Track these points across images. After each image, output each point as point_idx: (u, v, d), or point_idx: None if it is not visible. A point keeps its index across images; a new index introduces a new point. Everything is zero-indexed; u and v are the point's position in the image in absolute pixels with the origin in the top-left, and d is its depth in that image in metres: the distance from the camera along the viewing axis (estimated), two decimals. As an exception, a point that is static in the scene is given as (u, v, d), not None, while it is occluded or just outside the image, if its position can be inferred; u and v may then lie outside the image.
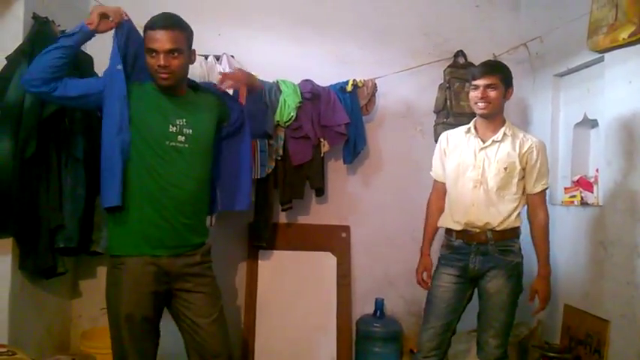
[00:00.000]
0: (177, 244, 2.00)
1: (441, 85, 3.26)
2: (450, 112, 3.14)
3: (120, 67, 1.98)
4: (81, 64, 2.67)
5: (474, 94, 2.32)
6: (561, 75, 3.11)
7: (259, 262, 3.15)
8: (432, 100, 3.27)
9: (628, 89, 2.47)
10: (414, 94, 3.35)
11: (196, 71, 2.74)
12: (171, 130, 1.98)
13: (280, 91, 2.91)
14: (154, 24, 1.94)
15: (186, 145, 2.00)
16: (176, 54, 1.93)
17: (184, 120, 2.00)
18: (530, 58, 3.25)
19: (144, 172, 1.95)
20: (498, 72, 2.30)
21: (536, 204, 2.33)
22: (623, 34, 2.42)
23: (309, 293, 3.18)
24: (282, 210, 3.05)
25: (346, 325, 3.16)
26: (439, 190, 2.53)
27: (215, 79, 2.78)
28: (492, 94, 2.27)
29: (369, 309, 3.21)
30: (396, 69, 3.24)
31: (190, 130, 2.01)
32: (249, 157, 2.32)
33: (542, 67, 3.22)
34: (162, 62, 1.91)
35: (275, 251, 3.18)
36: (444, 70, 3.26)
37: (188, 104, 2.06)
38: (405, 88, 3.33)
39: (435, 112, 3.27)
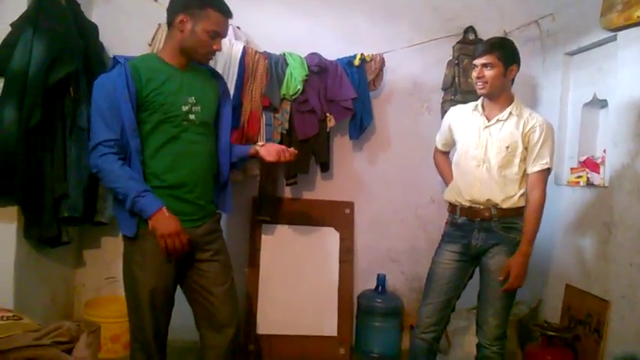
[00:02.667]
0: (198, 216, 2.02)
1: (449, 61, 3.22)
2: (458, 89, 3.11)
3: (127, 97, 1.86)
4: (87, 33, 2.65)
5: (473, 74, 2.32)
6: (572, 54, 3.06)
7: (262, 236, 3.16)
8: (440, 77, 3.24)
9: (640, 69, 2.43)
10: (421, 71, 3.31)
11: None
12: (184, 109, 1.95)
13: (287, 64, 2.87)
14: (228, 12, 1.98)
15: (197, 122, 1.99)
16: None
17: (194, 98, 1.98)
18: (541, 36, 3.20)
19: (164, 151, 1.94)
20: (496, 50, 2.24)
21: (533, 183, 2.29)
22: (639, 12, 2.37)
23: (311, 268, 3.20)
24: (287, 185, 3.05)
25: (348, 299, 3.19)
26: (441, 153, 2.63)
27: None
28: (488, 73, 2.24)
29: (371, 284, 3.23)
30: (405, 44, 3.20)
31: (199, 108, 1.99)
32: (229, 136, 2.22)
33: (554, 45, 3.17)
34: (220, 47, 1.99)
35: (278, 225, 3.19)
36: (453, 47, 3.21)
37: (195, 81, 2.03)
38: (413, 64, 3.28)
39: (442, 89, 3.24)
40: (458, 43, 3.21)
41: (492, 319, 2.32)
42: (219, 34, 1.96)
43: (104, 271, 3.06)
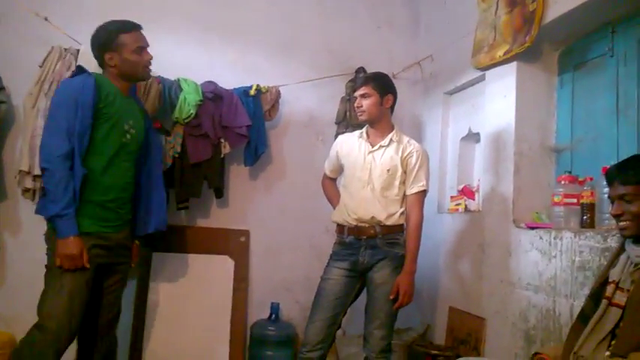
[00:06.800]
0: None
1: (342, 97, 3.41)
2: (349, 123, 3.28)
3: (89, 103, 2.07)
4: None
5: (354, 105, 2.54)
6: (450, 93, 3.36)
7: (153, 265, 3.06)
8: (334, 112, 3.41)
9: (503, 103, 2.71)
10: (316, 105, 3.48)
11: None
12: (125, 127, 2.20)
13: (181, 89, 2.90)
14: (134, 25, 2.21)
15: (131, 143, 2.24)
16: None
17: (131, 121, 2.24)
18: (424, 77, 3.49)
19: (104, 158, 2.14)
20: (370, 82, 2.50)
21: (411, 204, 2.46)
22: (499, 52, 2.67)
23: (203, 298, 3.12)
24: (178, 209, 3.00)
25: (240, 329, 3.13)
26: (329, 179, 2.76)
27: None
28: (365, 102, 2.47)
29: (266, 314, 3.20)
30: (301, 80, 3.36)
31: (134, 131, 2.25)
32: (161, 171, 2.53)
33: (435, 85, 3.46)
34: (150, 55, 2.24)
35: (170, 254, 3.11)
36: (346, 84, 3.42)
37: (132, 107, 2.30)
38: (309, 98, 3.45)
39: (335, 122, 3.41)
40: (350, 81, 3.41)
41: (377, 331, 2.40)
42: (142, 46, 2.22)
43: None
